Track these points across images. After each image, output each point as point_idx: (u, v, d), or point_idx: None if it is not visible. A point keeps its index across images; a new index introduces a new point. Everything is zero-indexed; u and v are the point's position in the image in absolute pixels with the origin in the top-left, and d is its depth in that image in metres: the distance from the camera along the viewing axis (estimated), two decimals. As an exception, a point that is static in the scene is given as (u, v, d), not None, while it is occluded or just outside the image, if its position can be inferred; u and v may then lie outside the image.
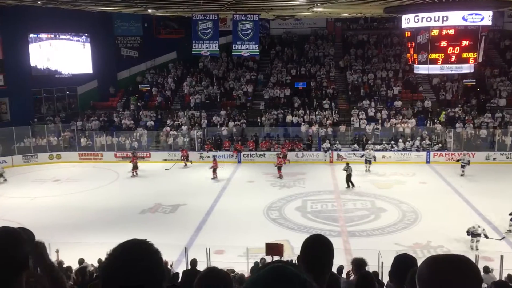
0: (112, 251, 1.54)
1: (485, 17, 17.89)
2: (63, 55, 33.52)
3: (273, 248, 12.44)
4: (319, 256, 2.31)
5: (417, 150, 27.82)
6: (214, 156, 26.65)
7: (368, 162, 25.64)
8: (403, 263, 2.99)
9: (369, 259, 7.73)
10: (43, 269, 2.39)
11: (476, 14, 17.83)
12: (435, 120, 30.15)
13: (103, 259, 1.57)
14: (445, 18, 18.16)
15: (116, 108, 34.16)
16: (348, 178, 22.65)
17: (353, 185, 22.61)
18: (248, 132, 30.90)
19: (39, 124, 31.38)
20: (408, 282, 2.35)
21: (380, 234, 17.09)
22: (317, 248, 2.33)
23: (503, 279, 10.22)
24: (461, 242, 15.66)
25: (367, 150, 26.40)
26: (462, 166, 24.59)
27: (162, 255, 1.58)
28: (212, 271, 2.45)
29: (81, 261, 11.23)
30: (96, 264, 10.46)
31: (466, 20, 17.92)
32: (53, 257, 12.00)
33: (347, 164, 23.18)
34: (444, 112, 30.20)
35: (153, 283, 1.53)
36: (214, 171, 24.89)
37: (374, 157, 25.96)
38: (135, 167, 25.78)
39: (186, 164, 27.46)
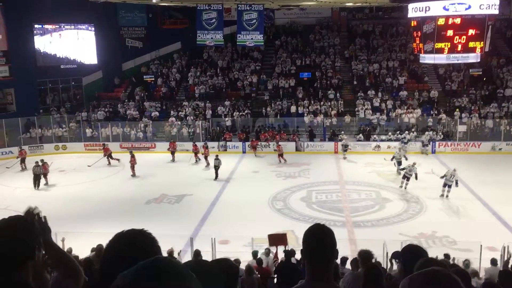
0: (109, 242, 1.55)
1: (472, 6, 17.61)
2: (68, 46, 33.55)
3: (277, 239, 12.47)
4: (322, 248, 2.28)
5: (423, 145, 27.44)
6: (206, 144, 26.59)
7: (406, 178, 20.38)
8: (417, 251, 2.96)
9: (374, 249, 7.72)
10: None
11: (459, 4, 17.61)
12: (441, 110, 29.99)
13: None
14: (427, 8, 18.04)
15: (121, 98, 34.19)
16: (216, 169, 22.75)
17: (216, 177, 22.69)
18: (246, 122, 30.83)
19: (45, 115, 31.49)
20: (416, 269, 2.34)
21: (385, 224, 17.09)
22: (319, 240, 2.30)
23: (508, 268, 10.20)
24: (466, 232, 15.62)
25: (410, 166, 20.54)
26: (406, 178, 20.30)
27: (159, 243, 1.58)
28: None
29: (93, 250, 11.32)
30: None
31: (447, 10, 17.74)
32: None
33: (217, 156, 23.27)
34: (458, 110, 29.77)
35: None
36: (206, 158, 25.20)
37: (416, 175, 20.27)
38: (22, 161, 25.24)
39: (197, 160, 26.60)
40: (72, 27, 33.95)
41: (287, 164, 25.32)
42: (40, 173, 22.06)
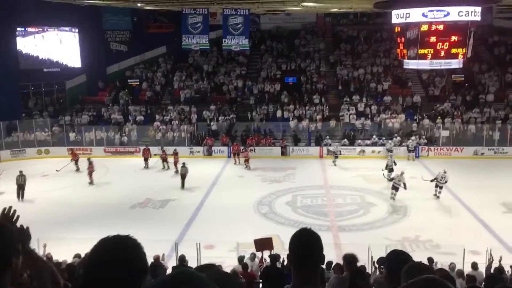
0: (94, 247, 1.54)
1: (451, 13, 17.85)
2: (51, 49, 33.15)
3: (263, 243, 12.44)
4: (309, 253, 2.26)
5: (409, 151, 27.62)
6: (175, 150, 25.81)
7: (395, 189, 20.09)
8: (402, 257, 2.96)
9: (358, 253, 7.74)
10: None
11: (438, 11, 17.84)
12: (424, 116, 30.30)
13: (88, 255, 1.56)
14: (408, 15, 18.27)
15: (105, 102, 33.88)
16: (183, 178, 22.24)
17: (183, 186, 22.20)
18: (229, 127, 30.76)
19: (27, 119, 31.04)
20: (404, 273, 2.34)
21: (369, 228, 17.18)
22: (305, 245, 2.27)
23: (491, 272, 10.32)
24: (449, 236, 15.78)
25: (398, 176, 20.33)
26: (395, 189, 20.03)
27: (144, 249, 1.57)
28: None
29: (75, 256, 11.17)
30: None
31: (426, 16, 17.99)
32: (40, 252, 11.89)
33: (184, 163, 22.71)
34: (439, 117, 30.03)
35: (135, 277, 1.52)
36: (175, 164, 24.65)
37: (405, 184, 19.96)
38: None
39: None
40: (56, 30, 33.55)
41: (273, 169, 25.31)
42: (23, 183, 21.11)
